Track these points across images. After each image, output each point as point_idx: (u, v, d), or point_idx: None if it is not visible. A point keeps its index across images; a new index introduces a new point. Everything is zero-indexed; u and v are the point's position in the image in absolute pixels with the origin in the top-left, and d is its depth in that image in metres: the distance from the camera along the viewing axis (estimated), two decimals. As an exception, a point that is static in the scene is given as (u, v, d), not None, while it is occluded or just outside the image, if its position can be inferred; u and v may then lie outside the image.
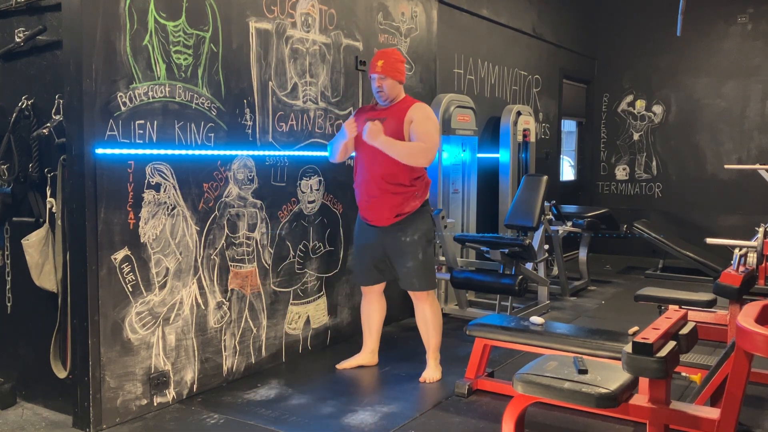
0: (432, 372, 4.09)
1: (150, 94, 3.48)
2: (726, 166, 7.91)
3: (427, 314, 4.10)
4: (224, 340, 3.96)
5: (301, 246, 4.48)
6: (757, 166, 6.95)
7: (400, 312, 5.51)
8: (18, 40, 3.44)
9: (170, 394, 3.66)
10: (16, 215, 3.64)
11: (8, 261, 3.68)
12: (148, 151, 3.49)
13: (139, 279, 3.48)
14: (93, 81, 3.22)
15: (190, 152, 3.71)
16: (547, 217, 6.20)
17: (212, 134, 3.83)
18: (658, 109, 8.93)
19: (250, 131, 4.07)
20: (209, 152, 3.82)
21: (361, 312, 4.35)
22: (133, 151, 3.42)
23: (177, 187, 3.65)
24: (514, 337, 3.73)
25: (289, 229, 4.39)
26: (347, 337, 4.93)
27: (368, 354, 4.34)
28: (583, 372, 2.54)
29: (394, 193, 3.92)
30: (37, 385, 3.65)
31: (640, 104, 9.04)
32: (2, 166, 3.62)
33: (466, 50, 6.36)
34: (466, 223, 6.10)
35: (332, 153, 4.14)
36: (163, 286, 3.59)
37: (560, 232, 6.63)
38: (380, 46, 5.10)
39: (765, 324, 2.23)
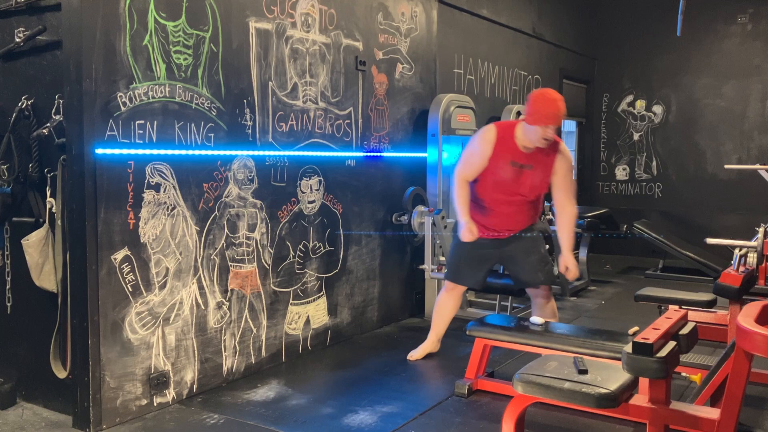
0: None
1: (150, 94, 3.48)
2: (726, 166, 7.91)
3: (549, 313, 4.20)
4: (224, 340, 3.96)
5: (301, 246, 4.48)
6: (757, 166, 6.95)
7: (400, 312, 5.52)
8: (18, 40, 3.44)
9: (170, 394, 3.66)
10: (16, 215, 3.64)
11: (8, 261, 3.68)
12: (148, 151, 3.49)
13: (139, 279, 3.48)
14: (93, 81, 3.22)
15: (190, 152, 3.71)
16: (547, 217, 6.20)
17: (212, 134, 3.83)
18: (658, 109, 8.93)
19: (250, 131, 4.07)
20: (209, 152, 3.82)
21: (437, 303, 4.45)
22: (133, 151, 3.42)
23: (177, 187, 3.65)
24: (514, 337, 3.73)
25: (289, 229, 4.39)
26: (347, 338, 4.93)
27: (435, 342, 4.47)
28: (583, 372, 2.54)
29: (532, 218, 4.16)
30: (37, 385, 3.65)
31: (640, 104, 9.04)
32: (2, 166, 3.62)
33: (466, 50, 6.36)
34: (466, 223, 6.09)
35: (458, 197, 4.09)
36: (163, 286, 3.59)
37: (560, 232, 6.61)
38: (380, 47, 5.11)
39: (765, 324, 2.23)
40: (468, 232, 4.00)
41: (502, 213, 4.05)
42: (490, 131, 3.99)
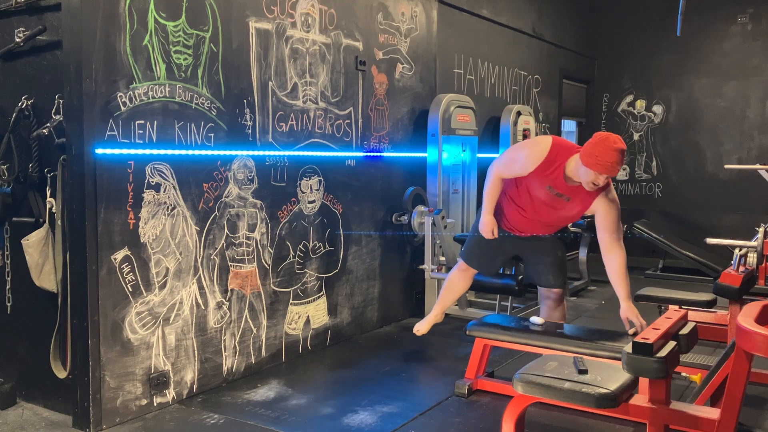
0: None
1: (150, 94, 3.48)
2: (726, 166, 7.90)
3: (560, 314, 4.13)
4: (224, 340, 3.96)
5: (301, 246, 4.48)
6: (757, 166, 6.95)
7: (400, 312, 5.52)
8: (18, 40, 3.44)
9: (170, 394, 3.66)
10: (16, 215, 3.64)
11: (8, 261, 3.68)
12: (148, 151, 3.49)
13: (139, 279, 3.48)
14: (93, 81, 3.22)
15: (190, 152, 3.71)
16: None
17: (212, 134, 3.83)
18: (658, 109, 8.92)
19: (250, 131, 4.07)
20: (209, 152, 3.82)
21: (448, 278, 4.34)
22: (133, 151, 3.42)
23: (177, 187, 3.65)
24: (514, 337, 3.73)
25: (289, 229, 4.39)
26: (347, 337, 4.93)
27: (440, 314, 4.36)
28: (583, 372, 2.54)
29: (555, 230, 4.04)
30: (37, 385, 3.65)
31: (640, 104, 9.04)
32: (2, 166, 3.62)
33: (466, 50, 6.36)
34: (466, 223, 6.10)
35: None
36: (163, 286, 3.59)
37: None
38: (380, 47, 5.11)
39: (765, 324, 2.23)
40: (487, 230, 3.95)
41: (526, 221, 3.95)
42: (542, 148, 3.69)
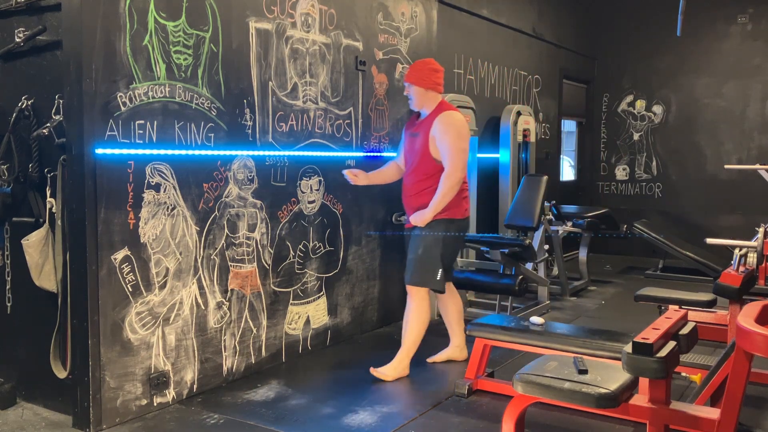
0: (388, 369, 4.10)
1: (150, 94, 3.48)
2: (726, 166, 7.90)
3: (411, 310, 4.23)
4: (224, 340, 3.96)
5: (301, 246, 4.48)
6: (757, 166, 6.95)
7: (400, 312, 5.51)
8: (18, 40, 3.44)
9: (170, 394, 3.66)
10: (16, 215, 3.64)
11: (8, 261, 3.68)
12: (148, 151, 3.49)
13: (139, 279, 3.48)
14: (93, 81, 3.22)
15: (190, 152, 3.71)
16: (547, 217, 6.20)
17: (212, 134, 3.83)
18: (658, 109, 8.93)
19: (250, 131, 4.07)
20: (209, 152, 3.82)
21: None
22: (133, 151, 3.42)
23: (177, 187, 3.65)
24: (514, 337, 3.74)
25: (289, 229, 4.39)
26: (347, 337, 4.93)
27: (455, 348, 4.44)
28: (583, 372, 2.54)
29: (418, 195, 4.20)
30: (37, 385, 3.65)
31: (640, 104, 9.04)
32: (2, 166, 3.62)
33: (466, 50, 6.36)
34: (466, 223, 6.09)
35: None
36: (163, 286, 3.59)
37: (560, 232, 6.62)
38: (380, 47, 5.11)
39: (765, 324, 2.22)
40: (348, 172, 4.38)
41: (407, 179, 4.28)
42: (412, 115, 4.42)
